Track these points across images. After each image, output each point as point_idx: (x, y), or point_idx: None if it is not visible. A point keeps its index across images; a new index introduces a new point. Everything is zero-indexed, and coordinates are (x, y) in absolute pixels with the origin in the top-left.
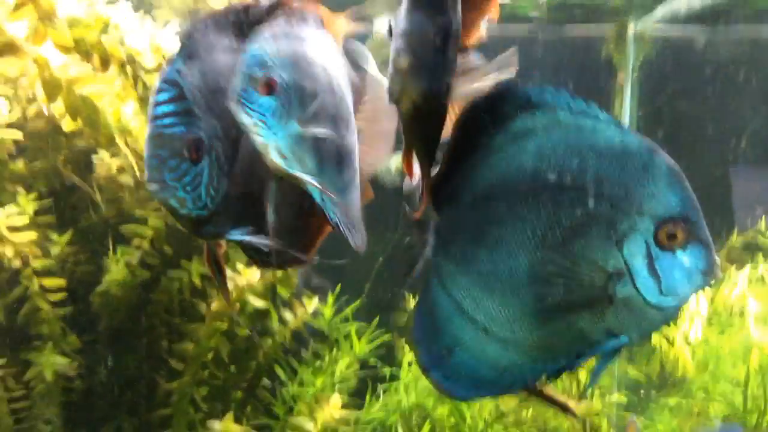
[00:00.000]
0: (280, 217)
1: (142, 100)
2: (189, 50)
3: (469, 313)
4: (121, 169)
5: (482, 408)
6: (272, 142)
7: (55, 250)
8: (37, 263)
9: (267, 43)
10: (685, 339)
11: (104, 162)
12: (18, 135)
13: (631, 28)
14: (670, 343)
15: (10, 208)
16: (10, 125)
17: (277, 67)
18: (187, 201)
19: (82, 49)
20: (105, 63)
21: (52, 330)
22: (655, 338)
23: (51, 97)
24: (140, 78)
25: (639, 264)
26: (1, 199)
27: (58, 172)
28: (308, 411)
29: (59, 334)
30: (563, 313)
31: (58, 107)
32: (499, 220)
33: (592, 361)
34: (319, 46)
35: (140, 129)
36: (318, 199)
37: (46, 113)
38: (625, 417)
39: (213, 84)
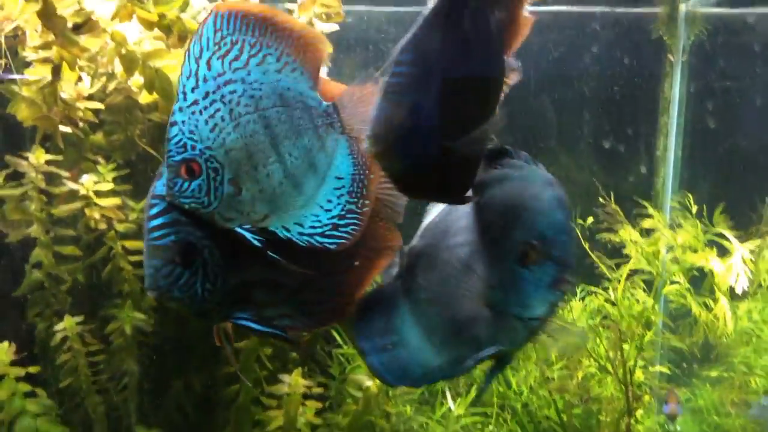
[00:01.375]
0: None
1: None
2: None
3: (419, 321)
4: None
5: (528, 375)
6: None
7: (132, 216)
8: (120, 226)
9: (186, 122)
10: (727, 309)
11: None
12: (99, 105)
13: (682, 9)
14: (712, 313)
15: (92, 177)
16: (90, 99)
17: (198, 145)
18: (184, 300)
19: (163, 25)
20: (182, 38)
21: (132, 288)
22: (696, 308)
23: (128, 71)
24: None
25: (507, 280)
26: (82, 167)
27: (135, 144)
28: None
29: (138, 293)
30: (467, 325)
31: (135, 81)
32: None
33: None
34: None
35: None
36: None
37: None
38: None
39: None
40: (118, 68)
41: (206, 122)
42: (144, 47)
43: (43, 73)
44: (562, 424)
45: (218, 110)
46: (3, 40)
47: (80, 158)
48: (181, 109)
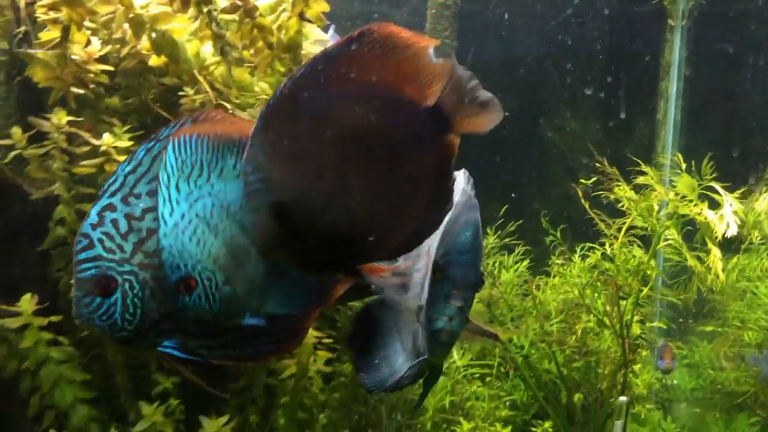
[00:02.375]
0: None
1: (217, 38)
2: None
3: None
4: (202, 104)
5: (527, 330)
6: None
7: None
8: None
9: (173, 245)
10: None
11: (189, 96)
12: (109, 67)
13: None
14: (704, 265)
15: (110, 138)
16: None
17: (189, 262)
18: (104, 328)
19: None
20: (185, 3)
21: None
22: (692, 260)
23: (137, 34)
24: (214, 18)
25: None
26: (99, 129)
27: (148, 107)
28: None
29: None
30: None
31: (144, 45)
32: None
33: None
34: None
35: (216, 66)
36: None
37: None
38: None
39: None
40: (129, 33)
41: (189, 240)
42: (150, 11)
43: (55, 34)
44: (561, 377)
45: (197, 227)
46: (23, 6)
47: (97, 120)
48: (165, 235)
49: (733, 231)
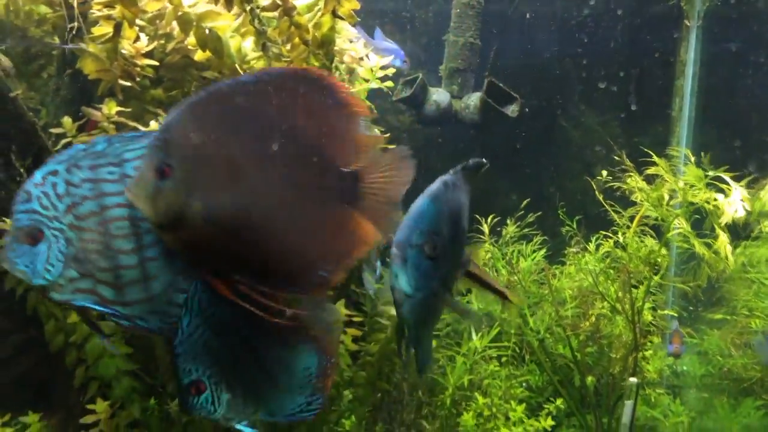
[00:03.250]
0: None
1: (259, 34)
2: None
3: None
4: None
5: (544, 314)
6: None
7: None
8: None
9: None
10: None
11: None
12: (154, 62)
13: None
14: (712, 250)
15: (156, 124)
16: (148, 57)
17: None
18: (26, 273)
19: None
20: (230, 1)
21: None
22: (700, 248)
23: (184, 31)
24: (257, 14)
25: None
26: (144, 118)
27: None
28: None
29: None
30: None
31: (190, 41)
32: None
33: None
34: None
35: (257, 61)
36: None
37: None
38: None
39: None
40: (175, 29)
41: (202, 348)
42: (197, 9)
43: (106, 30)
44: (575, 361)
45: (209, 336)
46: (76, 4)
47: (143, 110)
48: (180, 343)
49: (740, 213)
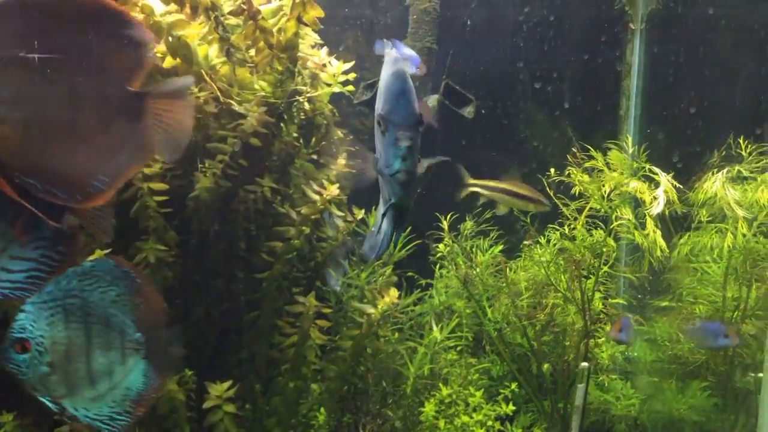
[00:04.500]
0: None
1: (223, 41)
2: None
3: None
4: (206, 101)
5: (501, 305)
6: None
7: (156, 166)
8: (146, 169)
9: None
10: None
11: (194, 94)
12: None
13: None
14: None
15: None
16: None
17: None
18: None
19: None
20: (195, 9)
21: (157, 224)
22: (639, 238)
23: (155, 39)
24: (221, 22)
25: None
26: None
27: None
28: (371, 298)
29: (162, 228)
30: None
31: (158, 48)
32: None
33: None
34: None
35: (222, 66)
36: None
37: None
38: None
39: None
40: None
41: (46, 318)
42: (168, 18)
43: None
44: (532, 349)
45: (58, 312)
46: None
47: None
48: (33, 303)
49: (661, 204)
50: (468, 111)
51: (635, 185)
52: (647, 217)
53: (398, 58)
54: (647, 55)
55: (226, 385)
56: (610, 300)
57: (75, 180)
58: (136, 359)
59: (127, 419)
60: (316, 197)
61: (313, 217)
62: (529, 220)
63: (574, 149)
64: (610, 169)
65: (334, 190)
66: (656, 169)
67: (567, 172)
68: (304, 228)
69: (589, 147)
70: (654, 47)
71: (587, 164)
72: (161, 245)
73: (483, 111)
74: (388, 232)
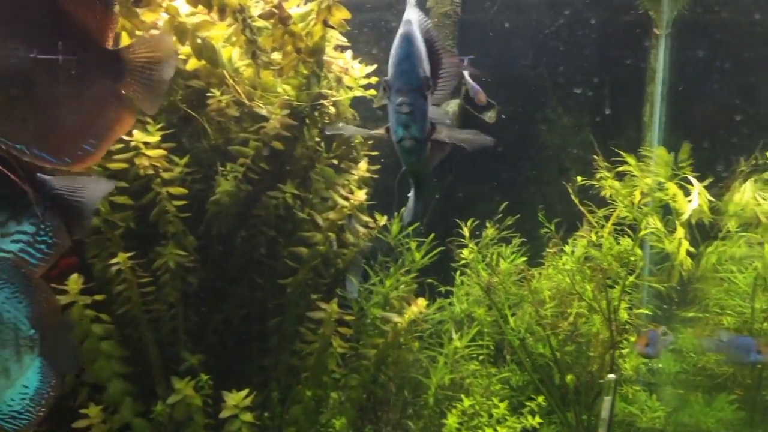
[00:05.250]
0: None
1: (250, 43)
2: None
3: None
4: (228, 104)
5: (524, 314)
6: None
7: (176, 170)
8: (165, 174)
9: None
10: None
11: (216, 98)
12: None
13: None
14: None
15: (139, 133)
16: None
17: None
18: None
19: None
20: (222, 11)
21: (176, 229)
22: (669, 247)
23: (180, 40)
24: (249, 25)
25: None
26: (133, 128)
27: (177, 107)
28: (398, 307)
29: (181, 233)
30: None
31: (183, 50)
32: None
33: None
34: None
35: (245, 69)
36: None
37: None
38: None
39: None
40: None
41: None
42: (194, 20)
43: None
44: (555, 359)
45: None
46: None
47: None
48: None
49: (693, 207)
50: (489, 116)
51: (668, 191)
52: (678, 225)
53: (409, 20)
54: (672, 61)
55: (243, 393)
56: (634, 310)
57: (63, 143)
58: (31, 357)
59: (29, 418)
60: (344, 202)
61: (340, 222)
62: (553, 227)
63: (595, 155)
64: (635, 174)
65: (360, 196)
66: (692, 178)
67: (598, 176)
68: (331, 234)
69: (621, 152)
70: (679, 53)
71: (619, 169)
72: (181, 250)
73: (504, 116)
74: (414, 198)
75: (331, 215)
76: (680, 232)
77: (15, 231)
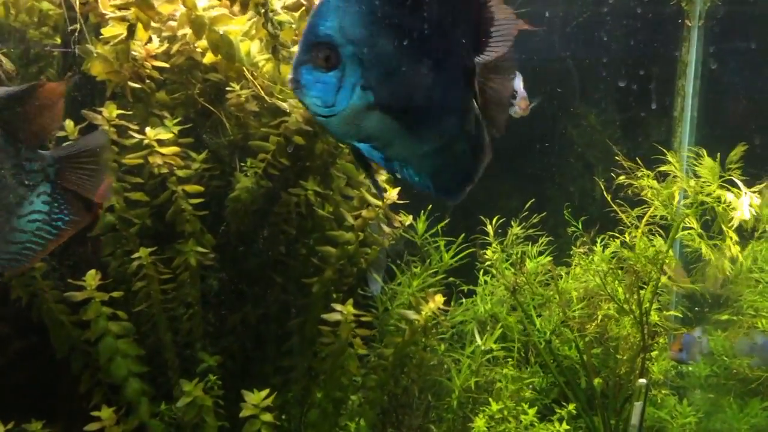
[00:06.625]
0: None
1: (272, 37)
2: None
3: None
4: (247, 98)
5: (551, 315)
6: None
7: (194, 167)
8: (180, 172)
9: None
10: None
11: (235, 92)
12: (165, 64)
13: None
14: (720, 252)
15: (158, 129)
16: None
17: None
18: None
19: None
20: (244, 6)
21: (194, 228)
22: (707, 249)
23: (197, 34)
24: (270, 19)
25: None
26: (149, 122)
27: (194, 101)
28: (415, 303)
29: (199, 232)
30: None
31: (200, 43)
32: None
33: None
34: None
35: (265, 64)
36: None
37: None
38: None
39: None
40: (181, 32)
41: None
42: (211, 13)
43: (118, 31)
44: (583, 362)
45: None
46: (78, 6)
47: (148, 113)
48: None
49: (747, 216)
50: (515, 110)
51: (715, 194)
52: (725, 228)
53: None
54: (705, 54)
55: (264, 393)
56: (664, 312)
57: None
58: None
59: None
60: (376, 201)
61: (371, 222)
62: (581, 225)
63: (617, 155)
64: (677, 174)
65: (393, 194)
66: (738, 181)
67: (631, 176)
68: (360, 233)
69: (662, 149)
70: (712, 45)
71: (662, 168)
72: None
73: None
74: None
75: (364, 213)
76: (731, 240)
77: (30, 211)
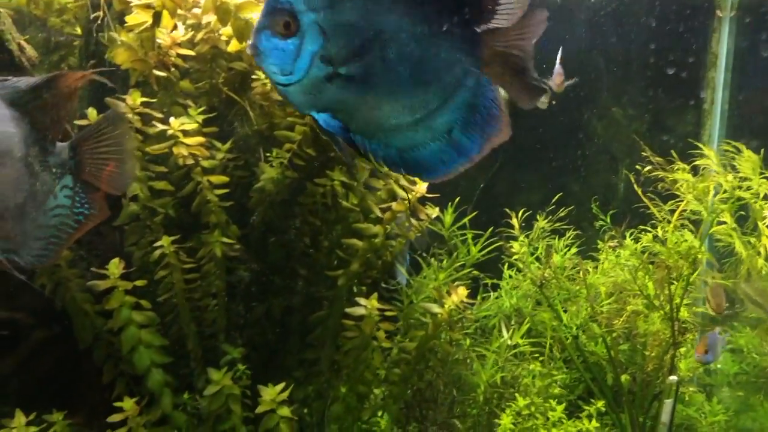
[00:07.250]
0: None
1: None
2: None
3: None
4: (273, 87)
5: (579, 309)
6: None
7: (218, 157)
8: (205, 163)
9: None
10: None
11: (260, 80)
12: (190, 52)
13: None
14: (754, 249)
15: (182, 119)
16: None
17: None
18: None
19: None
20: None
21: (219, 219)
22: (740, 245)
23: (222, 21)
24: None
25: None
26: (173, 111)
27: (218, 90)
28: (438, 296)
29: (224, 222)
30: None
31: (225, 31)
32: None
33: None
34: None
35: None
36: None
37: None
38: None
39: None
40: (206, 19)
41: None
42: (237, 0)
43: (144, 18)
44: (610, 358)
45: None
46: None
47: (172, 102)
48: None
49: None
50: (541, 101)
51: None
52: (760, 225)
53: None
54: (736, 45)
55: (279, 387)
56: (693, 309)
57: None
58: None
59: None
60: (405, 194)
61: (399, 215)
62: (609, 219)
63: (644, 150)
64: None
65: (422, 188)
66: None
67: (674, 168)
68: (389, 226)
69: (699, 144)
70: (744, 36)
71: (699, 162)
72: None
73: (554, 102)
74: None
75: (394, 206)
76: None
77: (54, 206)
